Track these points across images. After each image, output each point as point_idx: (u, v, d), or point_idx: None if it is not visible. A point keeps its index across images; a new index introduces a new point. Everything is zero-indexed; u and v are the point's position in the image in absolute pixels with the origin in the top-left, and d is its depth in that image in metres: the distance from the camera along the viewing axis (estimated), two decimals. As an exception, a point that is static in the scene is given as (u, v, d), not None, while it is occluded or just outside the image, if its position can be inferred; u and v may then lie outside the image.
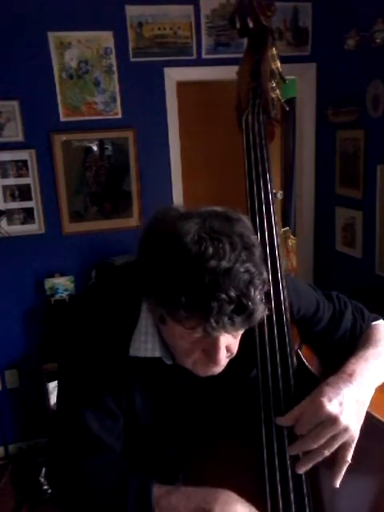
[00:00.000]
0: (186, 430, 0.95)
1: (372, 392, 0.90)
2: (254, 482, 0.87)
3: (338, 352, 1.02)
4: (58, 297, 2.83)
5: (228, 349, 0.82)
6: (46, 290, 2.84)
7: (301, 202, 3.38)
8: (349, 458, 0.83)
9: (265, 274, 0.77)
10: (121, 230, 2.91)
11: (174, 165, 2.99)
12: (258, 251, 0.77)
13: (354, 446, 0.83)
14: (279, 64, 1.08)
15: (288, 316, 0.93)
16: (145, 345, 0.88)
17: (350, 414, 0.83)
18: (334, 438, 0.82)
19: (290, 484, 0.87)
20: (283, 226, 4.70)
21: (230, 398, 0.95)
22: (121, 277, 0.97)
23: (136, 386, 0.91)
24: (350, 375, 0.88)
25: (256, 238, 0.79)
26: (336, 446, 0.82)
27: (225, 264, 0.71)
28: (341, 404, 0.82)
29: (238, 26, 1.05)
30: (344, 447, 0.83)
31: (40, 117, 2.73)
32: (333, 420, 0.81)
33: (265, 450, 0.87)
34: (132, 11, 2.73)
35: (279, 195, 4.25)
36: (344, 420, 0.81)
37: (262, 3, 1.04)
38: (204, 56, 2.86)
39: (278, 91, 1.08)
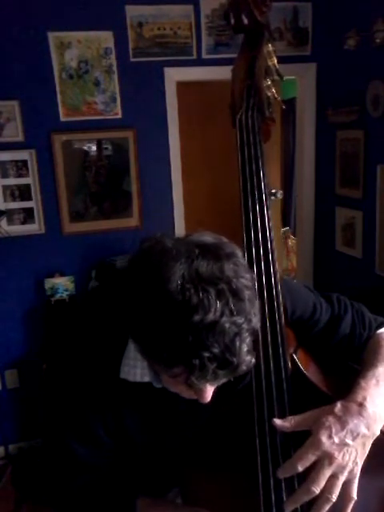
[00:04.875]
0: (181, 450, 0.93)
1: (383, 418, 0.83)
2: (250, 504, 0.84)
3: (336, 357, 1.00)
4: (58, 297, 2.82)
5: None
6: (46, 290, 2.84)
7: (301, 201, 3.38)
8: (354, 494, 0.80)
9: (254, 320, 0.71)
10: (121, 229, 2.91)
11: (173, 165, 2.99)
12: (248, 294, 0.70)
13: (356, 481, 0.80)
14: (276, 61, 1.06)
15: (283, 322, 0.89)
16: (134, 370, 0.87)
17: (351, 453, 0.78)
18: (334, 477, 0.78)
19: None
20: (283, 226, 4.70)
21: (223, 413, 0.92)
22: (112, 295, 0.92)
23: (126, 407, 0.90)
24: (361, 405, 0.81)
25: (248, 277, 0.72)
26: (340, 486, 0.78)
27: (210, 317, 0.66)
28: (342, 441, 0.78)
29: (232, 22, 1.03)
30: (346, 484, 0.79)
31: (40, 117, 2.73)
32: (330, 458, 0.77)
33: (260, 473, 0.83)
34: (132, 11, 2.73)
35: (279, 195, 4.24)
36: (340, 458, 0.77)
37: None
38: (204, 56, 2.86)
39: (273, 89, 1.05)
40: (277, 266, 0.91)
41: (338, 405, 0.81)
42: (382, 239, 2.68)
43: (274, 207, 4.28)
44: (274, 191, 4.20)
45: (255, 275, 0.86)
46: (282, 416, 0.84)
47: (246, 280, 0.71)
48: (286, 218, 4.93)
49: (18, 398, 2.97)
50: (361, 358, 0.96)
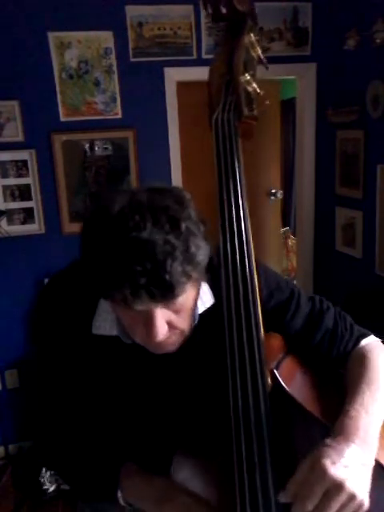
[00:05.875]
0: (150, 411, 0.96)
1: (376, 447, 0.78)
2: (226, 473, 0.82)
3: (320, 358, 0.98)
4: (58, 297, 2.82)
5: (170, 324, 0.79)
6: (46, 290, 2.84)
7: (301, 201, 3.38)
8: None
9: (193, 249, 0.72)
10: (121, 229, 2.91)
11: (173, 165, 2.99)
12: (187, 224, 0.73)
13: None
14: (260, 51, 0.95)
15: (261, 331, 0.85)
16: (104, 324, 0.91)
17: (358, 479, 0.72)
18: (342, 507, 0.71)
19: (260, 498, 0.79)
20: (283, 226, 4.70)
21: (190, 386, 0.93)
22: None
23: (98, 361, 0.94)
24: (352, 433, 0.77)
25: (188, 212, 0.75)
26: None
27: (144, 235, 0.69)
28: (346, 467, 0.72)
29: (210, 11, 0.94)
30: None
31: (40, 117, 2.73)
32: (338, 486, 0.70)
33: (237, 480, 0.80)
34: (132, 11, 2.73)
35: (279, 195, 4.24)
36: (351, 485, 0.71)
37: None
38: (204, 56, 2.86)
39: (255, 84, 0.94)
40: (253, 262, 0.89)
41: (328, 439, 0.77)
42: (382, 239, 2.68)
43: (273, 207, 4.28)
44: (274, 191, 4.20)
45: (230, 266, 0.87)
46: (260, 441, 0.80)
47: (187, 214, 0.74)
48: (286, 218, 4.93)
49: (18, 398, 2.97)
50: (346, 369, 0.94)
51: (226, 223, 0.89)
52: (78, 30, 2.69)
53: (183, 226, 0.72)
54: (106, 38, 2.73)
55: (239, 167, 0.92)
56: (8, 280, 2.86)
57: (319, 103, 3.11)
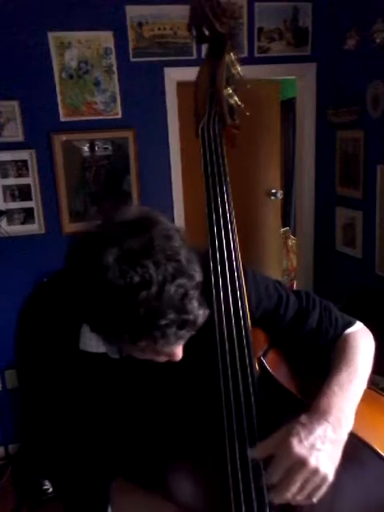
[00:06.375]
0: (140, 425, 0.96)
1: (351, 423, 0.84)
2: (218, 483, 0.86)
3: (304, 355, 1.01)
4: (58, 297, 2.82)
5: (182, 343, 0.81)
6: (46, 290, 2.84)
7: (301, 201, 3.38)
8: (315, 499, 0.79)
9: (196, 276, 0.74)
10: (121, 230, 2.91)
11: (173, 165, 2.99)
12: (183, 253, 0.73)
13: (324, 488, 0.79)
14: (240, 69, 1.07)
15: (248, 324, 0.91)
16: (90, 341, 0.90)
17: (322, 457, 0.78)
18: (306, 481, 0.78)
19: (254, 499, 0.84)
20: (283, 226, 4.70)
21: (187, 399, 0.93)
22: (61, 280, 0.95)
23: (87, 379, 0.93)
24: (326, 412, 0.82)
25: (178, 238, 0.75)
26: (309, 489, 0.79)
27: (154, 289, 0.69)
28: (312, 446, 0.78)
29: (194, 34, 1.06)
30: (314, 489, 0.79)
31: (40, 117, 2.73)
32: (301, 463, 0.77)
33: (229, 463, 0.85)
34: (132, 11, 2.73)
35: (279, 195, 4.24)
36: (313, 462, 0.77)
37: (216, 11, 1.03)
38: (204, 56, 2.85)
39: (236, 97, 1.06)
40: (241, 265, 0.94)
41: (303, 415, 0.82)
42: (382, 239, 2.68)
43: (273, 207, 4.28)
44: (274, 191, 4.20)
45: (219, 270, 0.91)
46: (250, 422, 0.86)
47: (177, 241, 0.74)
48: (286, 218, 4.93)
49: (18, 398, 2.97)
50: (329, 359, 0.97)
51: (215, 228, 0.95)
52: (78, 30, 2.69)
53: (183, 260, 0.73)
54: (106, 37, 2.73)
55: (226, 171, 1.00)
56: (8, 280, 2.85)
57: (319, 103, 3.11)
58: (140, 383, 0.93)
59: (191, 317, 0.72)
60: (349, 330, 1.02)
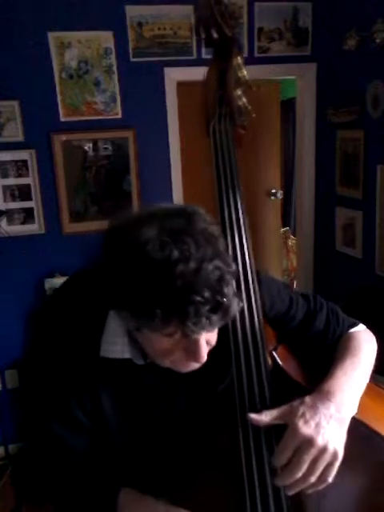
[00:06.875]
0: (159, 433, 0.93)
1: (354, 406, 0.86)
2: (232, 493, 0.85)
3: (311, 352, 1.02)
4: (58, 297, 2.82)
5: (208, 342, 0.81)
6: (46, 290, 2.84)
7: (301, 201, 3.38)
8: (330, 478, 0.80)
9: (233, 266, 0.76)
10: (121, 230, 2.91)
11: (173, 165, 2.99)
12: (221, 243, 0.76)
13: (337, 465, 0.80)
14: (245, 72, 1.10)
15: (261, 317, 0.92)
16: (113, 347, 0.87)
17: (329, 434, 0.80)
18: (315, 461, 0.79)
19: (271, 500, 0.84)
20: (283, 226, 4.70)
21: (204, 400, 0.93)
22: (87, 280, 0.96)
23: (104, 388, 0.90)
24: (329, 392, 0.85)
25: (218, 228, 0.78)
26: (321, 468, 0.80)
27: (193, 265, 0.69)
28: (318, 425, 0.80)
29: (202, 36, 1.08)
30: (326, 467, 0.80)
31: (40, 117, 2.73)
32: (309, 442, 0.79)
33: (243, 459, 0.85)
34: (132, 11, 2.73)
35: (279, 195, 4.24)
36: (321, 441, 0.79)
37: (224, 14, 1.06)
38: (204, 56, 2.86)
39: (244, 99, 1.10)
40: (254, 265, 0.95)
41: (307, 396, 0.84)
42: (382, 239, 2.68)
43: (273, 207, 4.28)
44: (274, 191, 4.20)
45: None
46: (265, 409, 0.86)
47: (216, 231, 0.77)
48: (286, 218, 4.93)
49: (18, 398, 2.97)
50: (333, 355, 0.99)
51: (227, 227, 0.97)
52: (78, 30, 2.69)
53: (221, 245, 0.75)
54: (106, 37, 2.73)
55: (237, 171, 1.02)
56: (8, 280, 2.85)
57: (319, 103, 3.11)
58: (163, 389, 0.92)
59: (226, 301, 0.72)
60: (353, 329, 1.05)
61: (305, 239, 3.39)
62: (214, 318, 0.72)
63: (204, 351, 0.79)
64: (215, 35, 1.07)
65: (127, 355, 0.88)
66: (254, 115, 1.12)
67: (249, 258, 0.95)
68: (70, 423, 0.91)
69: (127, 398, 0.92)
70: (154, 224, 0.73)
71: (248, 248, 0.96)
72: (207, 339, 0.80)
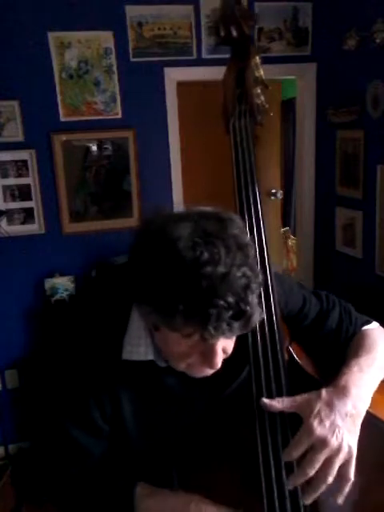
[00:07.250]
0: (178, 437, 0.93)
1: (368, 401, 0.87)
2: (250, 492, 0.85)
3: (323, 351, 1.03)
4: (58, 297, 2.82)
5: (224, 350, 0.81)
6: (46, 290, 2.84)
7: (301, 201, 3.38)
8: (350, 475, 0.81)
9: (260, 276, 0.76)
10: (121, 230, 2.91)
11: (173, 165, 2.99)
12: (252, 252, 0.76)
13: (353, 462, 0.81)
14: (262, 72, 1.12)
15: (278, 313, 0.92)
16: (137, 348, 0.87)
17: (342, 432, 0.80)
18: (329, 460, 0.79)
19: (288, 501, 0.83)
20: (283, 226, 4.70)
21: (222, 401, 0.93)
22: (110, 281, 0.96)
23: (124, 392, 0.90)
24: (345, 387, 0.85)
25: (249, 238, 0.78)
26: (336, 468, 0.80)
27: (221, 269, 0.70)
28: (332, 423, 0.80)
29: (222, 34, 1.10)
30: (343, 466, 0.80)
31: (40, 117, 2.73)
32: (323, 442, 0.79)
33: (260, 453, 0.84)
34: (132, 11, 2.73)
35: (279, 195, 4.24)
36: (335, 441, 0.79)
37: (245, 13, 1.08)
38: (204, 56, 2.86)
39: (262, 97, 1.12)
40: (271, 263, 0.95)
41: (324, 390, 0.84)
42: (382, 239, 2.68)
43: (273, 207, 4.28)
44: (274, 191, 4.20)
45: None
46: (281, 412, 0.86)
47: (248, 239, 0.77)
48: (286, 218, 4.93)
49: (18, 398, 2.97)
50: (347, 352, 0.99)
51: (246, 222, 0.96)
52: (78, 30, 2.69)
53: (251, 253, 0.75)
54: (106, 37, 2.73)
55: (256, 169, 1.03)
56: (8, 280, 2.85)
57: (319, 103, 3.11)
58: (182, 393, 0.92)
59: (249, 309, 0.72)
60: (367, 327, 1.06)
61: (305, 239, 3.39)
62: (235, 325, 0.72)
63: (219, 358, 0.79)
64: (235, 33, 1.08)
65: (150, 356, 0.87)
66: (271, 114, 1.15)
67: (267, 253, 0.95)
68: (86, 426, 0.90)
69: (147, 401, 0.92)
70: (189, 223, 0.74)
71: (266, 243, 0.96)
72: (224, 346, 0.80)
